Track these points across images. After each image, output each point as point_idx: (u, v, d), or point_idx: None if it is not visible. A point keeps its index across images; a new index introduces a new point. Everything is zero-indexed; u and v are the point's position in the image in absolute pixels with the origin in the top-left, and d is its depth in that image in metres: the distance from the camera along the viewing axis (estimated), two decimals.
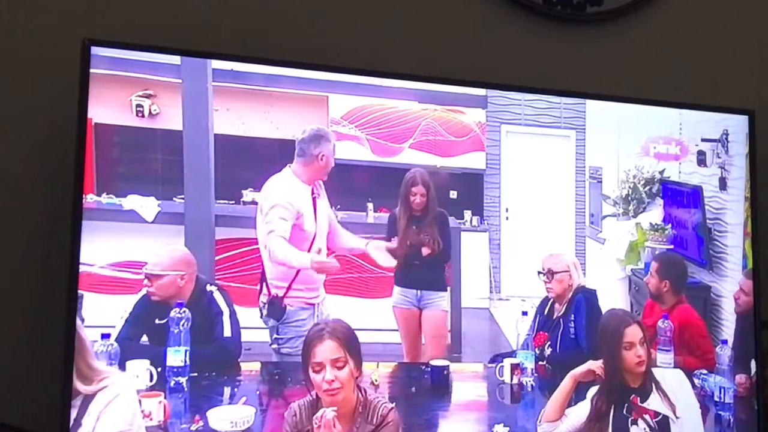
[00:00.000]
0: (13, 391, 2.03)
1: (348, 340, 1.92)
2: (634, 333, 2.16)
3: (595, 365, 2.16)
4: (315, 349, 1.89)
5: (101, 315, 1.96)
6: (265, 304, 2.13)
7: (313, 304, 2.14)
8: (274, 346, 2.13)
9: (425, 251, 2.23)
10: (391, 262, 2.20)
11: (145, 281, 1.99)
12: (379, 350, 2.19)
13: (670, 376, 2.22)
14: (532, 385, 2.23)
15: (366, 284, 2.20)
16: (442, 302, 2.28)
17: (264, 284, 2.13)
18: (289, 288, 2.12)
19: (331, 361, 1.88)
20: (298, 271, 2.12)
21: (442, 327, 2.27)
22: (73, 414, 1.80)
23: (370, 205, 2.23)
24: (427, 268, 2.26)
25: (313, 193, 2.15)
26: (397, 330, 2.25)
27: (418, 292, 2.27)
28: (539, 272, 2.28)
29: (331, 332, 1.90)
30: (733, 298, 2.40)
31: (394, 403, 1.96)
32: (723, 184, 2.43)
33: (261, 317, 2.13)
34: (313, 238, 2.13)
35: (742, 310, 2.38)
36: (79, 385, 1.81)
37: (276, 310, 2.12)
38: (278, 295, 2.12)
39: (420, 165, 2.22)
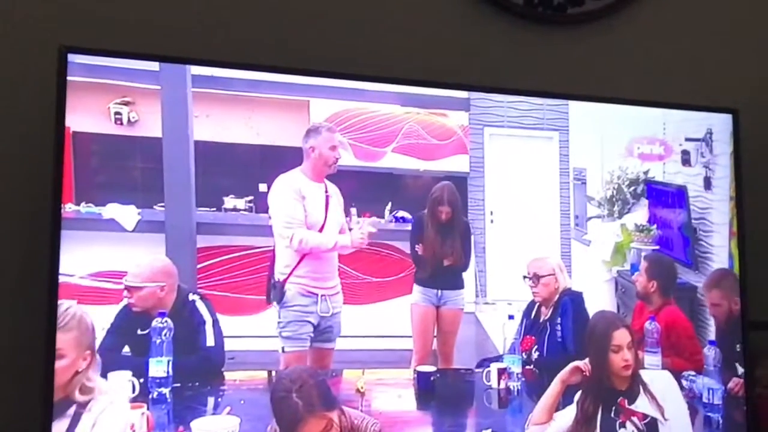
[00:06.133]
0: None
1: (324, 397, 1.83)
2: (622, 336, 2.15)
3: (581, 363, 2.15)
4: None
5: None
6: (270, 289, 2.15)
7: (316, 294, 2.15)
8: (278, 329, 2.14)
9: (446, 262, 2.26)
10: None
11: (125, 293, 1.97)
12: (366, 357, 2.18)
13: (658, 379, 2.21)
14: (519, 389, 2.22)
15: (351, 291, 2.18)
16: (461, 300, 2.31)
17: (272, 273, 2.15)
18: (290, 274, 2.13)
19: None
20: (300, 259, 2.13)
21: (456, 323, 2.30)
22: (66, 424, 1.78)
23: (354, 210, 2.22)
24: (448, 274, 2.29)
25: (326, 192, 2.17)
26: (383, 336, 2.23)
27: (439, 291, 2.29)
28: (525, 276, 2.27)
29: (307, 405, 1.80)
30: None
31: (380, 424, 1.92)
32: (708, 184, 2.42)
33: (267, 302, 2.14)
34: (321, 229, 2.16)
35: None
36: (77, 396, 1.79)
37: (277, 294, 2.13)
38: (280, 280, 2.13)
39: (403, 169, 2.21)
